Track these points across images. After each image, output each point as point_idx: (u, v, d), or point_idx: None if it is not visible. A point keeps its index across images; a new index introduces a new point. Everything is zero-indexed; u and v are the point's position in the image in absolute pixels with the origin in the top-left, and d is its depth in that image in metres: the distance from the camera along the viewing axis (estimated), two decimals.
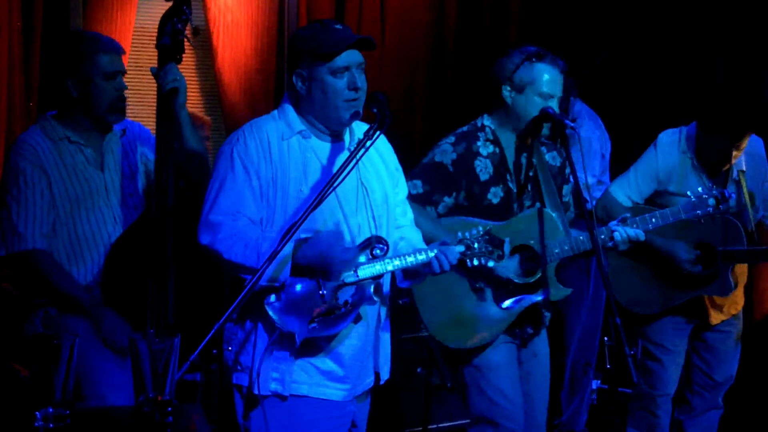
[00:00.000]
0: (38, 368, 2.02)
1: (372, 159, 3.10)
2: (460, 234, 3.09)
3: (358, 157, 2.88)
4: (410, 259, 3.03)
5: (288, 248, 2.86)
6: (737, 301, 4.38)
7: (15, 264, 3.43)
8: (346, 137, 3.11)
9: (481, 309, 3.59)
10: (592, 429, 5.21)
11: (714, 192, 3.72)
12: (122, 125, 3.61)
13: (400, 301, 2.97)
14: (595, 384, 5.36)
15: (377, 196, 3.12)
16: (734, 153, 4.11)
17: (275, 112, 3.11)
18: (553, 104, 3.53)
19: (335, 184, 2.82)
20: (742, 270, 4.35)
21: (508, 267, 3.55)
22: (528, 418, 3.71)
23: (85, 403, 3.26)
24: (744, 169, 4.21)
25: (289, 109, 3.08)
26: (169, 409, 2.05)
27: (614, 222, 3.61)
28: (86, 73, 3.42)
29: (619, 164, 4.73)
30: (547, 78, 3.53)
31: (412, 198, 3.51)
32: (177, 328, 2.74)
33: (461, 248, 3.07)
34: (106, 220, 3.47)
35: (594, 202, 3.59)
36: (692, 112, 4.28)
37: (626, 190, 4.26)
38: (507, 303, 3.59)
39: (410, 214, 3.32)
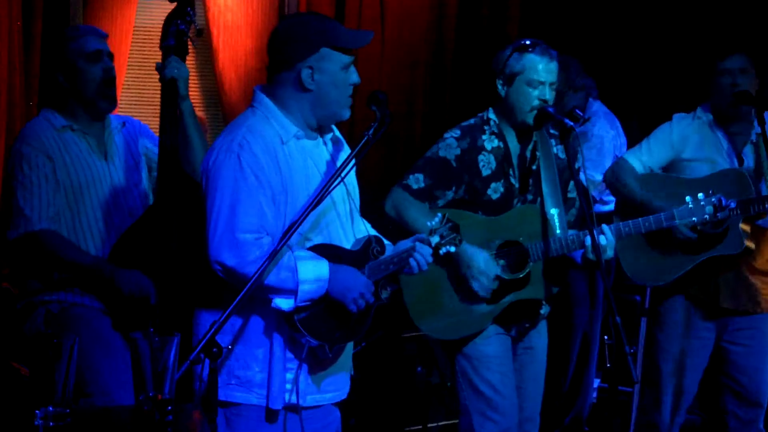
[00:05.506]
0: (39, 367, 2.02)
1: (342, 158, 3.03)
2: (429, 223, 2.99)
3: (360, 156, 2.84)
4: (404, 257, 2.98)
5: (325, 268, 2.83)
6: (764, 300, 4.09)
7: (21, 248, 3.43)
8: (326, 135, 3.04)
9: (468, 302, 3.57)
10: (593, 428, 5.21)
11: (713, 200, 3.60)
12: (122, 119, 3.70)
13: (383, 297, 2.94)
14: (595, 383, 5.36)
15: (356, 195, 3.09)
16: (738, 80, 4.02)
17: (260, 112, 2.97)
18: (544, 91, 3.50)
19: (336, 183, 2.80)
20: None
21: (496, 262, 3.54)
22: (519, 411, 3.69)
23: (91, 399, 3.27)
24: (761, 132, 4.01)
25: (274, 108, 2.95)
26: (169, 408, 2.05)
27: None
28: (70, 60, 3.49)
29: None
30: (534, 65, 3.51)
31: (412, 192, 3.52)
32: (177, 327, 2.74)
33: (436, 238, 2.97)
34: (109, 209, 3.49)
35: (593, 203, 3.55)
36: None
37: (639, 155, 4.15)
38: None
39: None
